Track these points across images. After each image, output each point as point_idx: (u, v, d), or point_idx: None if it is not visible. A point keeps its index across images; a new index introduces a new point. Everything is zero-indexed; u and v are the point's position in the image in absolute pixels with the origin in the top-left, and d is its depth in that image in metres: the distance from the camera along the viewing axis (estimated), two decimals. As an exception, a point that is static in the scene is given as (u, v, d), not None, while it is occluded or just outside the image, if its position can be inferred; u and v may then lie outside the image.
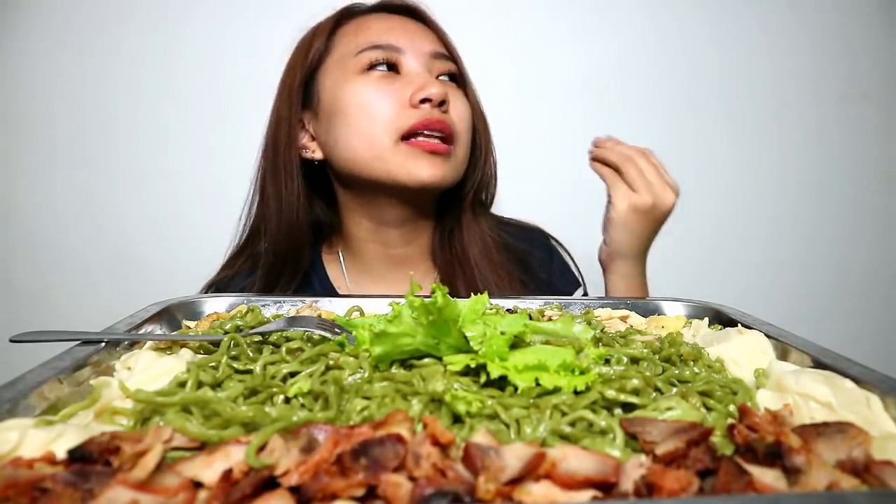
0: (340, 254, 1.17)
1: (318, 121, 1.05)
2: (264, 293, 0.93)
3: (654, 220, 0.99)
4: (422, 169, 0.98)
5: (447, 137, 1.00)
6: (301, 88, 1.05)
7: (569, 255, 1.26)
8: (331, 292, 1.10)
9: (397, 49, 1.01)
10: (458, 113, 1.03)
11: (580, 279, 1.23)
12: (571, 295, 1.16)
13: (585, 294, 1.21)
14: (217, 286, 1.13)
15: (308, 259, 1.11)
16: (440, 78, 1.05)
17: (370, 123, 0.98)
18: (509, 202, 1.23)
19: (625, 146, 0.99)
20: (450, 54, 1.07)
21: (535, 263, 1.18)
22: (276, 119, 1.06)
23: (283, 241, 1.05)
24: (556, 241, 1.28)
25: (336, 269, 1.16)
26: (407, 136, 0.99)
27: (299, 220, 1.05)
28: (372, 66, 1.01)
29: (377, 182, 1.01)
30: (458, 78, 1.08)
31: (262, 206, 1.09)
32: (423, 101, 0.98)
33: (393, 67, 1.02)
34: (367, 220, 1.10)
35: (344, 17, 1.08)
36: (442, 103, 0.99)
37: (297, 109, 1.04)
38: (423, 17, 1.09)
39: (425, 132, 0.98)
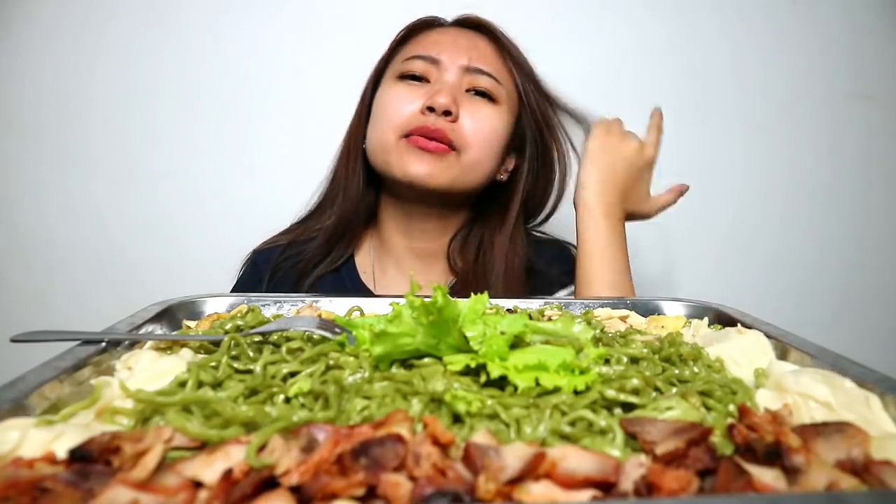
0: (372, 239, 1.27)
1: None
2: (271, 294, 0.94)
3: (624, 160, 1.09)
4: (412, 164, 1.08)
5: (449, 143, 1.08)
6: (373, 84, 1.20)
7: None
8: (353, 275, 1.23)
9: (435, 60, 1.11)
10: (473, 125, 1.10)
11: None
12: None
13: None
14: (268, 251, 1.23)
15: (359, 235, 1.24)
16: (468, 91, 1.12)
17: (383, 122, 1.11)
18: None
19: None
20: (489, 70, 1.13)
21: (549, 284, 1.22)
22: (356, 109, 1.22)
23: (342, 215, 1.19)
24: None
25: (366, 252, 1.26)
26: (408, 135, 1.08)
27: (356, 200, 1.19)
28: (406, 75, 1.12)
29: (383, 175, 1.14)
30: (491, 93, 1.13)
31: (332, 184, 1.24)
32: (430, 109, 1.06)
33: (426, 77, 1.12)
34: (396, 211, 1.21)
35: (419, 27, 1.19)
36: (448, 113, 1.06)
37: (366, 103, 1.19)
38: (488, 31, 1.18)
39: (423, 135, 1.07)
